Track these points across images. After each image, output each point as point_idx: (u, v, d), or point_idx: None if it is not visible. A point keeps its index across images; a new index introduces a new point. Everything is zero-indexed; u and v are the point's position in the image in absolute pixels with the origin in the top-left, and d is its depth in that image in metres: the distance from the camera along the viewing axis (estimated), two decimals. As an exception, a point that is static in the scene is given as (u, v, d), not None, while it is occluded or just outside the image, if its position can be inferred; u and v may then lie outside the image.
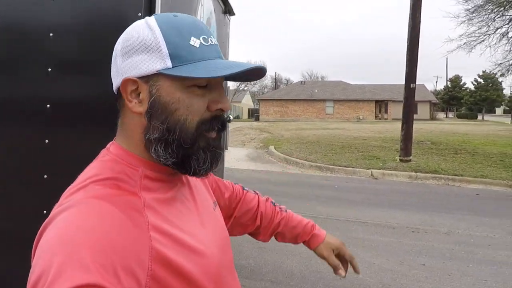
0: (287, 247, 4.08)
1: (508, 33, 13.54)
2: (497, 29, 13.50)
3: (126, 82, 0.70)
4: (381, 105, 41.76)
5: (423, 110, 45.15)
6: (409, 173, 9.95)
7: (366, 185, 8.85)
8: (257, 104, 51.00)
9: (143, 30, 0.69)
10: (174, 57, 0.67)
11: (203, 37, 0.70)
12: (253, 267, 3.96)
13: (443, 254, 4.44)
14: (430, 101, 45.73)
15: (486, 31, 13.59)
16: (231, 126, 24.50)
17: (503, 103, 48.30)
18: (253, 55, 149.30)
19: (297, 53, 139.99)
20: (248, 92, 59.00)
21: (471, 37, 13.81)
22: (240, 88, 43.35)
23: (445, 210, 6.50)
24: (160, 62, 0.67)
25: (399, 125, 28.01)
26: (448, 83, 52.75)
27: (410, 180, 9.68)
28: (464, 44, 13.85)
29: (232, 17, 3.95)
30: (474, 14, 13.27)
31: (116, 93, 0.74)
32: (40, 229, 0.61)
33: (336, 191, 7.89)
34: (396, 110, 45.96)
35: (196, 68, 0.66)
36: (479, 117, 44.40)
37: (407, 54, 11.15)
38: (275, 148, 13.77)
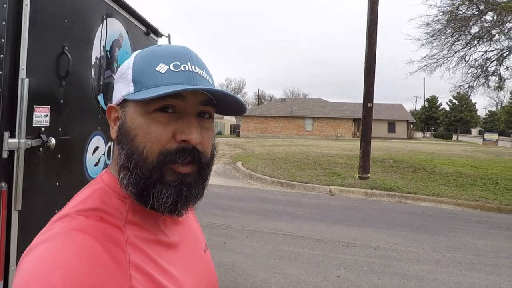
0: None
1: (465, 56, 14.11)
2: (455, 52, 14.06)
3: (109, 109, 0.73)
4: (358, 123, 42.45)
5: (400, 129, 46.02)
6: (365, 190, 10.21)
7: (320, 200, 9.07)
8: (239, 120, 51.27)
9: (127, 61, 0.73)
10: (136, 82, 0.67)
11: (174, 64, 0.68)
12: None
13: (361, 267, 4.65)
14: (407, 121, 46.68)
15: (445, 54, 14.14)
16: None
17: (478, 124, 49.66)
18: (238, 72, 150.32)
19: (281, 71, 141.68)
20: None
21: (432, 59, 14.34)
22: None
23: (385, 226, 6.74)
24: (126, 88, 0.69)
25: (373, 143, 28.53)
26: (426, 103, 54.13)
27: (365, 197, 9.93)
28: (424, 66, 14.37)
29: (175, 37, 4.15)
30: (433, 38, 13.81)
31: None
32: (23, 254, 0.60)
33: (287, 206, 8.09)
34: (376, 128, 46.78)
35: (152, 92, 0.64)
36: (455, 137, 45.57)
37: (364, 75, 11.55)
38: (242, 164, 13.95)
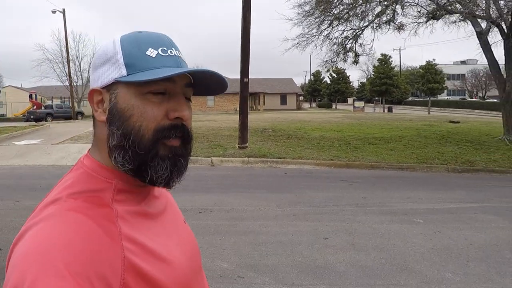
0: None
1: (329, 35, 15.04)
2: (322, 31, 14.91)
3: (91, 92, 0.70)
4: (255, 97, 43.47)
5: (291, 101, 48.15)
6: (242, 159, 10.53)
7: (199, 172, 9.15)
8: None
9: (108, 45, 0.70)
10: (129, 65, 0.66)
11: (161, 49, 0.68)
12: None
13: (209, 230, 4.84)
14: (296, 93, 48.94)
15: (314, 33, 14.92)
16: (79, 122, 23.11)
17: (352, 94, 54.08)
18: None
19: (190, 48, 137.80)
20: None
21: (303, 37, 15.03)
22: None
23: (247, 190, 7.07)
24: (117, 71, 0.67)
25: (264, 115, 29.05)
26: (312, 77, 57.30)
27: (242, 165, 10.25)
28: (297, 43, 15.02)
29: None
30: (304, 18, 14.46)
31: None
32: (13, 241, 0.58)
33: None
34: (270, 101, 48.30)
35: (148, 74, 0.65)
36: (334, 106, 49.22)
37: (240, 52, 11.69)
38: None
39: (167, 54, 0.69)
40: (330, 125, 17.29)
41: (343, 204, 6.00)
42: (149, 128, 0.66)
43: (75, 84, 34.61)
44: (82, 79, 36.71)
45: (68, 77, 31.17)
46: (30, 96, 36.65)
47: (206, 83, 0.73)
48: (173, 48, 0.71)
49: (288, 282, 3.43)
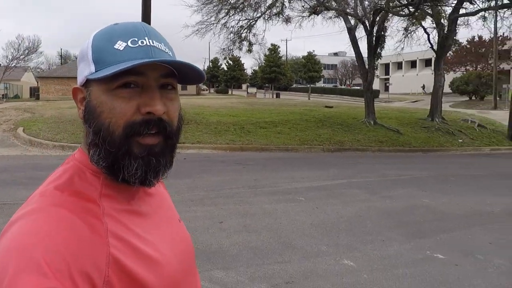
0: None
1: (226, 23, 14.82)
2: (219, 20, 14.60)
3: (74, 90, 0.65)
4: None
5: (191, 87, 46.95)
6: (143, 145, 9.87)
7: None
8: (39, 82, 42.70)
9: (85, 42, 0.64)
10: (96, 61, 0.60)
11: (132, 40, 0.60)
12: None
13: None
14: (196, 79, 47.79)
15: (212, 21, 14.52)
16: None
17: (246, 80, 55.16)
18: (41, 27, 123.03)
19: (90, 30, 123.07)
20: (29, 69, 48.59)
21: (202, 25, 14.52)
22: (12, 65, 34.84)
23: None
24: (87, 69, 0.61)
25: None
26: (210, 63, 56.57)
27: (143, 150, 9.61)
28: (197, 30, 14.47)
29: None
30: (203, 5, 13.92)
31: None
32: (3, 230, 0.55)
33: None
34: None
35: (111, 69, 0.57)
36: (230, 92, 49.71)
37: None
38: (23, 130, 11.56)
39: (137, 45, 0.61)
40: (227, 110, 17.30)
41: (237, 186, 6.01)
42: (118, 124, 0.59)
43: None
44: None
45: None
46: None
47: (184, 71, 0.65)
48: (146, 37, 0.62)
49: (184, 271, 3.26)
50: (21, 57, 34.85)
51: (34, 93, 40.87)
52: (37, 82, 45.04)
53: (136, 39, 0.61)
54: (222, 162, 8.22)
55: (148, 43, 0.61)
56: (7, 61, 34.15)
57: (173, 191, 5.67)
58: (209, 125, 12.73)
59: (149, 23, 10.75)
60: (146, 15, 10.60)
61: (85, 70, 0.62)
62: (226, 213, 4.72)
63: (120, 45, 0.60)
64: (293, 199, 5.38)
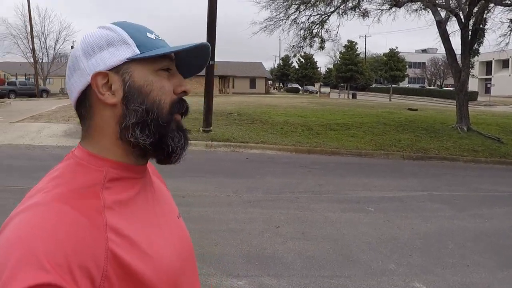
0: None
1: (296, 19, 14.79)
2: (289, 16, 14.63)
3: (96, 76, 0.67)
4: (224, 80, 42.80)
5: (260, 85, 47.82)
6: (206, 142, 10.27)
7: (161, 155, 8.85)
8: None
9: (102, 32, 0.69)
10: (140, 45, 0.68)
11: (154, 34, 0.72)
12: None
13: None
14: (265, 77, 48.58)
15: (282, 17, 14.61)
16: (43, 100, 22.15)
17: (319, 79, 54.44)
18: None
19: (162, 30, 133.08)
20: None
21: (271, 21, 14.70)
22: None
23: (206, 174, 6.85)
24: (129, 51, 0.67)
25: (232, 98, 28.58)
26: (281, 61, 56.99)
27: (206, 148, 10.00)
28: (265, 27, 14.67)
29: None
30: (271, 1, 14.09)
31: (76, 100, 0.70)
32: (2, 226, 0.58)
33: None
34: (239, 85, 47.78)
35: (158, 51, 0.67)
36: (302, 91, 49.56)
37: (207, 34, 11.27)
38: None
39: (160, 38, 0.73)
40: (295, 110, 17.23)
41: (299, 191, 5.92)
42: (166, 101, 0.68)
43: (40, 60, 32.92)
44: (48, 56, 34.98)
45: (32, 53, 29.65)
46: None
47: (189, 63, 0.76)
48: (154, 34, 0.74)
49: (233, 273, 3.28)
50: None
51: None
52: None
53: (156, 34, 0.73)
54: (286, 164, 8.18)
55: (160, 38, 0.74)
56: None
57: (231, 190, 5.79)
58: (275, 125, 12.79)
59: (215, 20, 11.19)
60: (211, 12, 11.04)
61: (123, 53, 0.67)
62: (284, 217, 4.67)
63: (151, 35, 0.71)
64: (361, 209, 5.12)
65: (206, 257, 3.58)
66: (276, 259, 3.54)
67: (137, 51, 0.67)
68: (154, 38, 0.71)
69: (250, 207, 5.07)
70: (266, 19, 14.79)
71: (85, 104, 0.69)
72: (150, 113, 0.67)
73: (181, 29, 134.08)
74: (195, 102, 21.20)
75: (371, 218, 4.76)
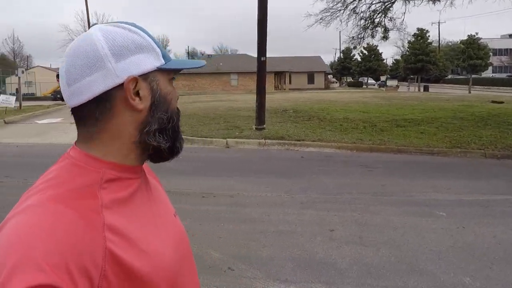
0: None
1: (356, 8, 14.30)
2: (347, 5, 14.19)
3: (130, 81, 0.70)
4: (280, 76, 42.76)
5: (318, 80, 47.10)
6: (259, 140, 10.28)
7: (213, 154, 9.01)
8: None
9: (129, 35, 0.71)
10: (163, 55, 0.74)
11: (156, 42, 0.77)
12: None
13: (208, 216, 4.65)
14: (324, 72, 47.73)
15: (339, 7, 14.22)
16: None
17: (386, 71, 52.13)
18: (169, 28, 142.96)
19: (214, 27, 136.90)
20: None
21: (327, 12, 14.38)
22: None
23: (257, 173, 6.83)
24: (157, 60, 0.72)
25: (289, 94, 28.73)
26: (341, 54, 55.59)
27: (259, 147, 10.01)
28: (320, 19, 14.39)
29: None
30: None
31: (93, 100, 0.69)
32: None
33: (173, 162, 7.86)
34: (296, 81, 47.44)
35: (178, 63, 0.76)
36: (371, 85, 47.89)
37: (257, 30, 11.29)
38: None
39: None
40: (357, 106, 16.67)
41: (358, 192, 5.65)
42: (177, 109, 0.78)
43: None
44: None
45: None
46: (57, 76, 37.90)
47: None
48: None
49: (280, 278, 3.19)
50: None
51: (166, 89, 47.39)
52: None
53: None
54: (345, 163, 7.89)
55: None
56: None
57: (283, 190, 5.70)
58: (334, 121, 12.45)
59: (266, 14, 11.14)
60: (262, 7, 11.01)
61: (153, 61, 0.72)
62: (339, 220, 4.47)
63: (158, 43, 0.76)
64: (430, 213, 4.74)
65: (252, 259, 3.53)
66: (328, 265, 3.37)
67: (163, 61, 0.74)
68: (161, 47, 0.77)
69: (303, 208, 4.93)
70: (322, 10, 14.49)
71: (103, 105, 0.70)
72: (171, 121, 0.75)
73: (230, 24, 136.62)
74: (248, 99, 21.57)
75: (443, 224, 4.38)
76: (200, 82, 41.11)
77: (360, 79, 44.09)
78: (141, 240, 0.67)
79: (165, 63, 0.73)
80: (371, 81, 38.31)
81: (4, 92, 25.80)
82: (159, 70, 0.72)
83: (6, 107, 15.47)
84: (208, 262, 3.47)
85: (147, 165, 0.84)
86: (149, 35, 0.75)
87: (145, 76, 0.71)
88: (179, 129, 0.78)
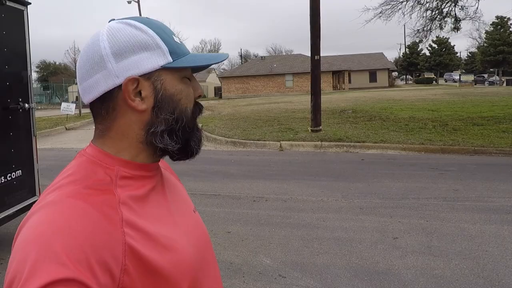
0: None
1: (420, -1, 13.66)
2: (410, -4, 13.62)
3: (128, 82, 0.71)
4: (339, 75, 42.00)
5: (382, 78, 45.63)
6: (315, 143, 10.15)
7: (266, 157, 9.02)
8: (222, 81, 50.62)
9: (133, 32, 0.72)
10: (172, 52, 0.73)
11: (177, 37, 0.77)
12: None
13: (259, 221, 4.63)
14: (388, 69, 46.14)
15: (401, 0, 13.69)
16: None
17: (460, 66, 49.17)
18: (222, 31, 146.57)
19: (268, 28, 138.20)
20: (213, 70, 58.34)
21: (387, 5, 13.91)
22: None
23: (313, 177, 6.72)
24: (162, 58, 0.72)
25: (348, 94, 28.20)
26: (406, 50, 53.33)
27: (315, 149, 9.88)
28: (380, 13, 13.94)
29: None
30: None
31: (98, 99, 0.72)
32: (18, 228, 0.65)
33: (226, 165, 8.01)
34: (356, 80, 46.34)
35: (189, 60, 0.74)
36: (441, 82, 45.34)
37: (310, 28, 11.18)
38: (201, 126, 13.81)
39: (181, 41, 0.77)
40: (425, 104, 15.87)
41: (427, 197, 5.33)
42: (190, 108, 0.76)
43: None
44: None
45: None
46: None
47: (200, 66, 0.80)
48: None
49: (337, 288, 3.07)
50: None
51: (218, 92, 48.50)
52: (220, 82, 53.30)
53: (176, 36, 0.76)
54: (412, 166, 7.50)
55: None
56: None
57: (340, 195, 5.53)
58: (398, 121, 11.96)
59: (318, 12, 10.99)
60: (314, 3, 10.88)
61: (157, 59, 0.72)
62: (404, 227, 4.23)
63: (176, 39, 0.75)
64: (514, 221, 4.33)
65: (306, 267, 3.44)
66: (391, 276, 3.19)
67: (170, 59, 0.72)
68: (179, 42, 0.76)
69: (362, 214, 4.74)
70: (382, 3, 14.01)
71: (107, 105, 0.73)
72: (180, 122, 0.74)
73: (284, 25, 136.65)
74: (303, 100, 21.45)
75: (529, 233, 3.98)
76: (253, 85, 41.57)
77: (468, 75, 40.79)
78: (160, 236, 0.69)
79: (173, 60, 0.72)
80: (466, 77, 35.25)
81: (67, 100, 27.96)
82: (165, 68, 0.72)
83: (67, 114, 16.70)
84: (258, 268, 3.44)
85: (164, 161, 0.85)
86: (159, 31, 0.73)
87: (148, 75, 0.71)
88: (193, 129, 0.77)
